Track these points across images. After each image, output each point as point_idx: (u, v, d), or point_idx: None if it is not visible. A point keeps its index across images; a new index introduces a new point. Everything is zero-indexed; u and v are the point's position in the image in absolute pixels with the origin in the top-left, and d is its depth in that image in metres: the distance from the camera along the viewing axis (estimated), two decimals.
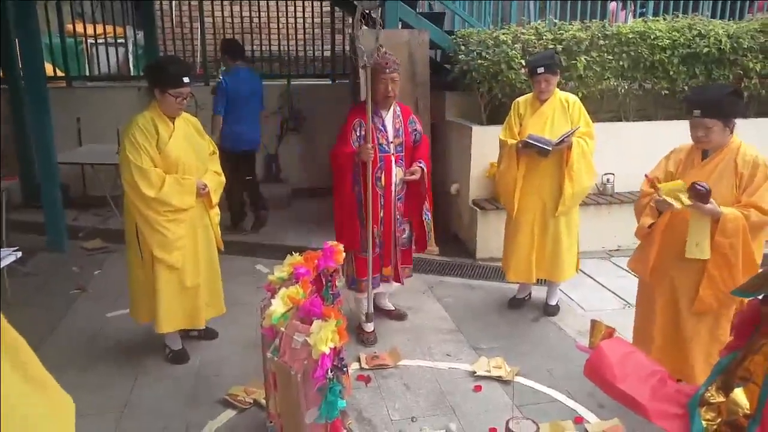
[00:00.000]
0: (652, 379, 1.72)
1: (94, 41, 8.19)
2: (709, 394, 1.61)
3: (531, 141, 3.74)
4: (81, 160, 6.42)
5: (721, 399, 1.58)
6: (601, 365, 1.79)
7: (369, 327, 3.90)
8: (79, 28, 7.90)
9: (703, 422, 1.58)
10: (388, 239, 3.82)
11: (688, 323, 2.85)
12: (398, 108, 3.81)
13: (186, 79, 3.30)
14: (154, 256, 3.35)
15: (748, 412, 1.52)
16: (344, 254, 3.69)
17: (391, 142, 3.73)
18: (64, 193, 5.87)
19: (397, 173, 3.76)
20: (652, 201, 2.86)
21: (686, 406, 1.63)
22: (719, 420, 1.57)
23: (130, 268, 3.52)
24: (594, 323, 1.94)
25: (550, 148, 3.71)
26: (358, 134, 3.66)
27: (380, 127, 3.69)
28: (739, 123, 2.84)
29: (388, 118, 3.74)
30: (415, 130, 3.87)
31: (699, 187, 2.62)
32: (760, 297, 1.57)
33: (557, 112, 3.87)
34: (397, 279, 3.98)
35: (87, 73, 8.09)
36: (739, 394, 1.55)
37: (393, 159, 3.73)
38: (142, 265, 3.43)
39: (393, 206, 3.78)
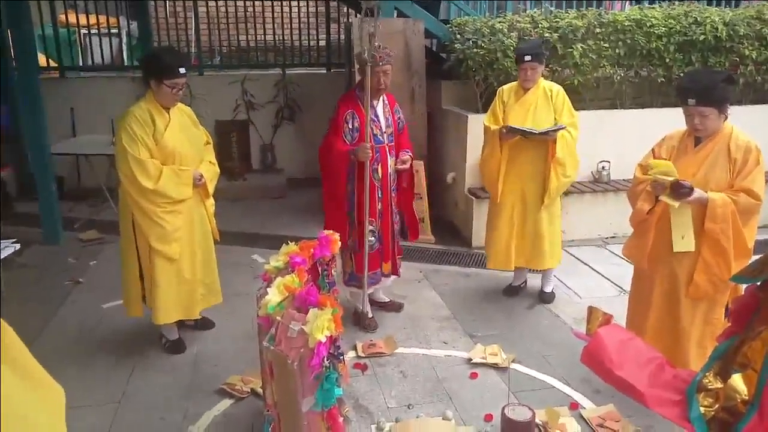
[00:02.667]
0: (650, 366, 1.72)
1: (87, 32, 8.12)
2: (707, 380, 1.61)
3: (514, 126, 3.76)
4: (75, 151, 6.39)
5: (719, 385, 1.58)
6: (599, 352, 1.79)
7: (368, 314, 3.93)
8: (72, 18, 7.83)
9: (701, 408, 1.58)
10: (386, 233, 3.82)
11: (686, 309, 2.87)
12: (385, 97, 3.81)
13: (182, 70, 3.28)
14: (151, 248, 3.34)
15: (747, 398, 1.52)
16: (342, 251, 3.72)
17: (384, 132, 3.73)
18: (58, 184, 5.85)
19: (391, 164, 3.77)
20: (648, 186, 2.87)
21: (684, 392, 1.63)
22: (717, 406, 1.57)
23: (124, 259, 3.52)
24: (591, 310, 1.94)
25: (536, 132, 3.73)
26: (350, 126, 3.62)
27: (373, 117, 3.67)
28: (735, 109, 2.84)
29: (380, 108, 3.74)
30: (400, 118, 3.89)
31: (682, 190, 2.65)
32: (758, 283, 1.57)
33: (540, 101, 3.89)
34: (395, 271, 4.00)
35: (81, 64, 8.04)
36: (738, 380, 1.56)
37: (387, 149, 3.74)
38: (136, 257, 3.43)
39: (390, 197, 3.79)
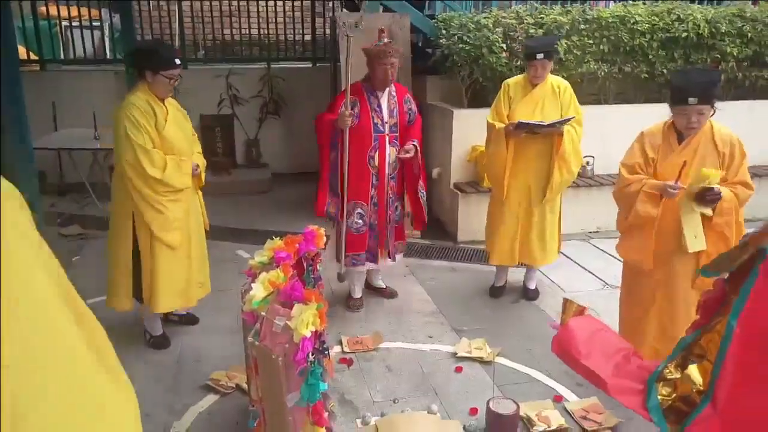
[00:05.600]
0: (617, 356, 1.76)
1: (68, 24, 8.01)
2: (667, 371, 1.64)
3: (524, 121, 3.73)
4: (57, 146, 6.31)
5: (678, 375, 1.62)
6: (568, 342, 1.83)
7: (357, 294, 4.10)
8: (53, 10, 7.72)
9: (660, 397, 1.62)
10: (382, 219, 3.90)
11: (692, 305, 2.86)
12: (393, 88, 3.86)
13: (177, 61, 3.33)
14: (153, 237, 3.35)
15: (702, 388, 1.56)
16: (338, 231, 3.89)
17: (386, 123, 3.80)
18: (40, 179, 5.77)
19: (390, 153, 3.82)
20: (647, 187, 2.84)
21: (646, 381, 1.67)
22: (674, 395, 1.61)
23: (113, 252, 3.48)
24: (566, 302, 1.98)
25: (546, 124, 3.72)
26: (351, 111, 3.70)
27: (376, 107, 3.76)
28: (717, 105, 2.87)
29: (384, 98, 3.81)
30: (410, 109, 3.94)
31: (713, 197, 2.66)
32: (726, 277, 1.61)
33: (548, 97, 3.86)
34: (391, 257, 4.07)
35: (62, 57, 7.93)
36: (694, 371, 1.59)
37: (387, 139, 3.79)
38: (130, 249, 3.41)
39: (386, 186, 3.84)
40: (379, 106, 3.79)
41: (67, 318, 0.74)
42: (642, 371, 1.71)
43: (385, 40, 3.69)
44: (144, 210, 3.30)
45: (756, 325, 1.46)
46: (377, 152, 3.78)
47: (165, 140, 3.32)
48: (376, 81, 3.74)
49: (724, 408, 1.47)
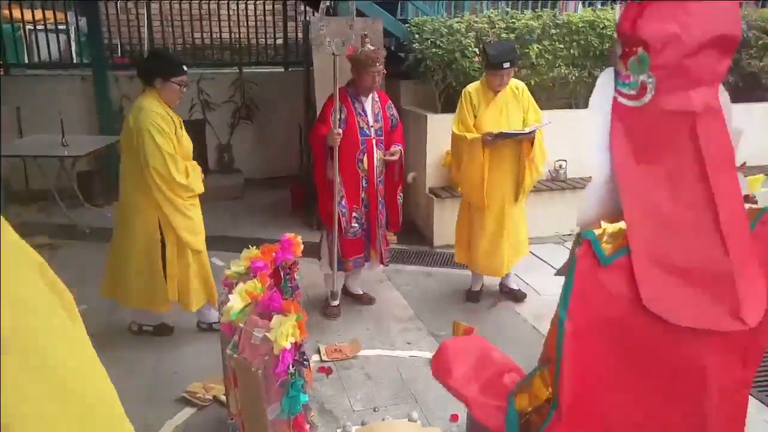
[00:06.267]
0: (488, 373, 1.65)
1: (33, 27, 7.81)
2: (525, 382, 1.51)
3: (505, 132, 3.76)
4: (22, 153, 6.13)
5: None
6: (438, 363, 1.76)
7: (334, 302, 4.08)
8: (16, 13, 7.52)
9: (519, 411, 1.48)
10: (372, 221, 3.96)
11: None
12: (376, 94, 3.94)
13: (185, 68, 3.36)
14: (183, 242, 3.41)
15: (549, 395, 1.42)
16: (328, 235, 3.93)
17: (372, 126, 3.86)
18: (4, 187, 5.61)
19: (377, 156, 3.88)
20: None
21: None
22: (530, 409, 1.48)
23: (147, 260, 3.44)
24: (455, 324, 1.96)
25: (526, 132, 3.77)
26: (339, 117, 3.75)
27: (360, 112, 3.84)
28: None
29: (368, 103, 3.88)
30: (393, 115, 4.01)
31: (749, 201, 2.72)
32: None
33: (510, 101, 3.92)
34: (382, 261, 4.13)
35: (26, 61, 7.73)
36: (538, 379, 1.47)
37: (374, 142, 3.86)
38: (160, 255, 3.43)
39: (376, 188, 3.92)
40: (364, 110, 3.86)
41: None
42: (511, 386, 1.56)
43: (370, 46, 3.74)
44: (172, 215, 3.35)
45: (584, 314, 1.33)
46: (365, 155, 3.85)
47: (183, 147, 3.37)
48: (361, 87, 3.81)
49: (568, 414, 1.31)
